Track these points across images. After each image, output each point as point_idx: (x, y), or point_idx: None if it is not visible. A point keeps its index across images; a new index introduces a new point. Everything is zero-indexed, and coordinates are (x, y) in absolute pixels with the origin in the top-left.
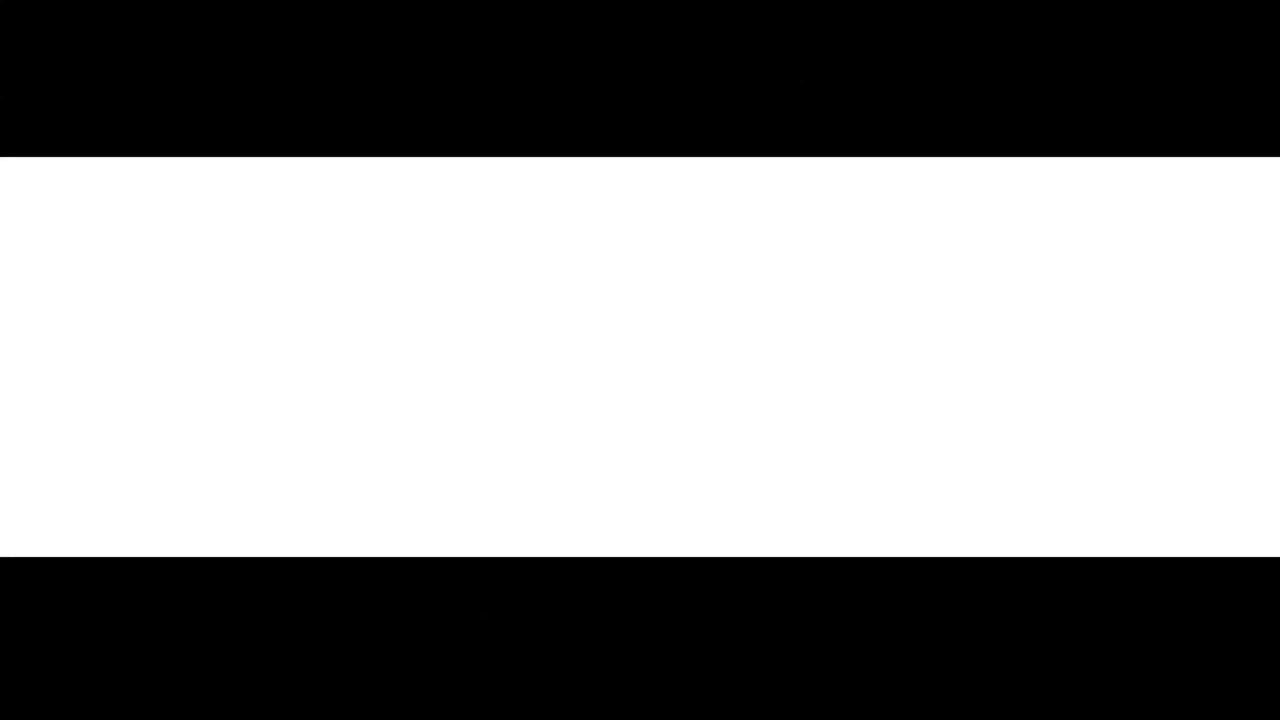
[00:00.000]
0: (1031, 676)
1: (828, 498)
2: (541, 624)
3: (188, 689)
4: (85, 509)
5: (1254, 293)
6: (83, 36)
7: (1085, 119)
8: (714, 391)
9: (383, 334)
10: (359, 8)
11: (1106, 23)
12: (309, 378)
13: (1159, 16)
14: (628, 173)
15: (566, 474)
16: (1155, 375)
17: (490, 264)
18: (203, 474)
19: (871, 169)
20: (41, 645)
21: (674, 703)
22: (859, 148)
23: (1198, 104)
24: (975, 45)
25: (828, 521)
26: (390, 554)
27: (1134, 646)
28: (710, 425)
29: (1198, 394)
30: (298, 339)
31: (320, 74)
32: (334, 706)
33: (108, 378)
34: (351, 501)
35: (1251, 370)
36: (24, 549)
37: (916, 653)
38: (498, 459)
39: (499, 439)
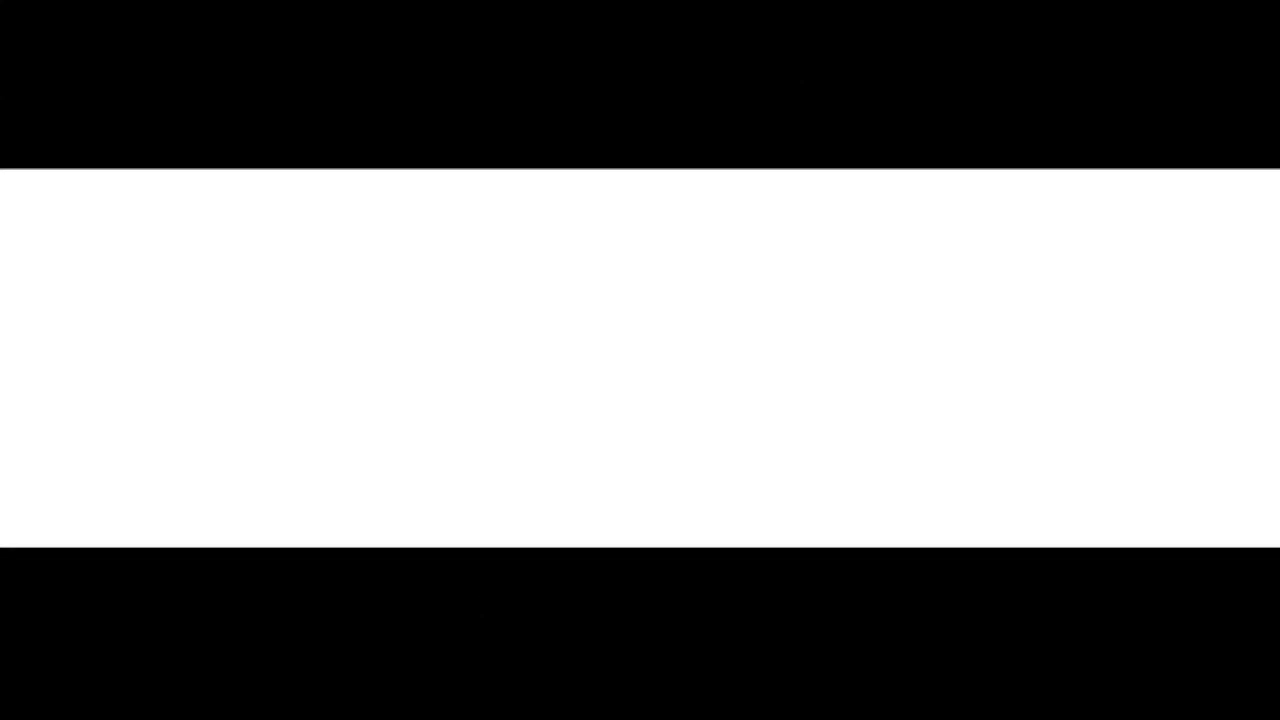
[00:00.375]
0: (1030, 670)
1: (824, 492)
2: (540, 616)
3: (184, 682)
4: (85, 504)
5: (1250, 296)
6: (79, 47)
7: (1094, 126)
8: (712, 390)
9: (379, 333)
10: (359, 18)
11: (1109, 28)
12: (308, 375)
13: (1158, 26)
14: (627, 182)
15: (566, 469)
16: (1148, 375)
17: (490, 269)
18: (201, 468)
19: (868, 179)
20: (41, 638)
21: (674, 698)
22: (859, 151)
23: (1197, 114)
24: (977, 53)
25: (825, 514)
26: (388, 545)
27: (1133, 639)
28: (708, 421)
29: (1190, 392)
30: (295, 339)
31: (321, 85)
32: (332, 702)
33: (108, 380)
34: (350, 495)
35: (1242, 368)
36: (24, 540)
37: (915, 646)
38: (496, 454)
39: (497, 434)
